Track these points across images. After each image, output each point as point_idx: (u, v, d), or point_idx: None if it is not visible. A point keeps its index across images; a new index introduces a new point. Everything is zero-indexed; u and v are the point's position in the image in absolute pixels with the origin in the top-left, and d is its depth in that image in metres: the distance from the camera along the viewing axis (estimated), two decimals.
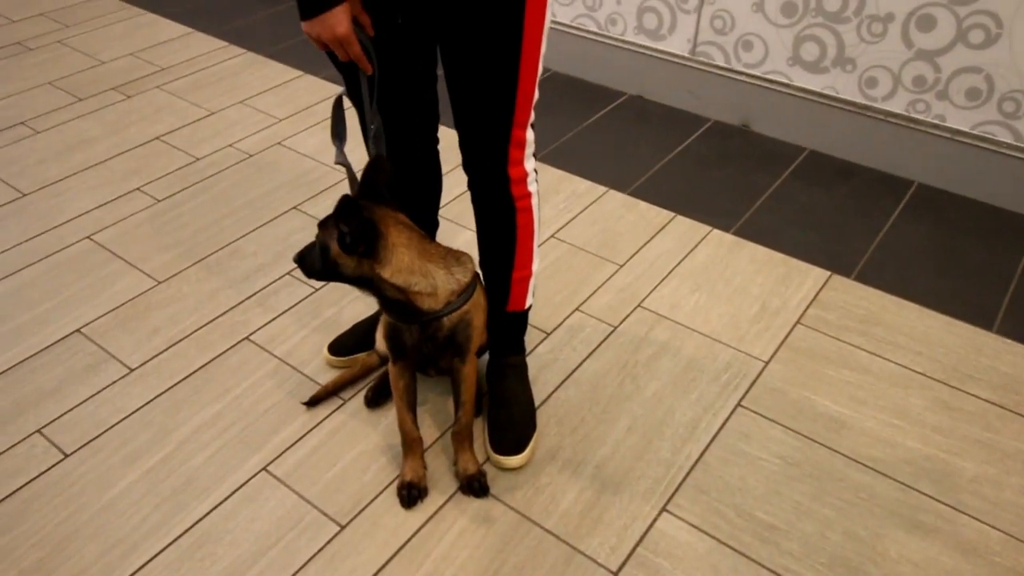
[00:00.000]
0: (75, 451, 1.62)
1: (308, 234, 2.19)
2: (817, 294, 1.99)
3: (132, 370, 1.79)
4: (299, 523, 1.48)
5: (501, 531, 1.47)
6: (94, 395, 1.73)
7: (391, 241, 1.27)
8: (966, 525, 1.48)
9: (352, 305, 1.96)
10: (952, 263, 2.10)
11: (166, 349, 1.84)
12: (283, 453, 1.61)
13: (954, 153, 2.30)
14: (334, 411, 1.69)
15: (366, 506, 1.51)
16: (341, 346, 1.78)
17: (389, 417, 1.68)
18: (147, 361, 1.81)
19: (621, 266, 2.08)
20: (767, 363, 1.81)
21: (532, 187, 1.45)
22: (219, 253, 2.13)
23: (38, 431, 1.66)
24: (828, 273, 2.06)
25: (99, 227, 2.22)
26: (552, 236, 2.18)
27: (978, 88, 2.18)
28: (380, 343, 1.65)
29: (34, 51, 3.15)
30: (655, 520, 1.49)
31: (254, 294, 1.99)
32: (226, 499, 1.52)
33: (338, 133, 1.36)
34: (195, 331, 1.89)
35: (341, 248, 1.26)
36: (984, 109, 2.20)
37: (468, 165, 1.44)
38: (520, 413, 1.61)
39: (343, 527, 1.48)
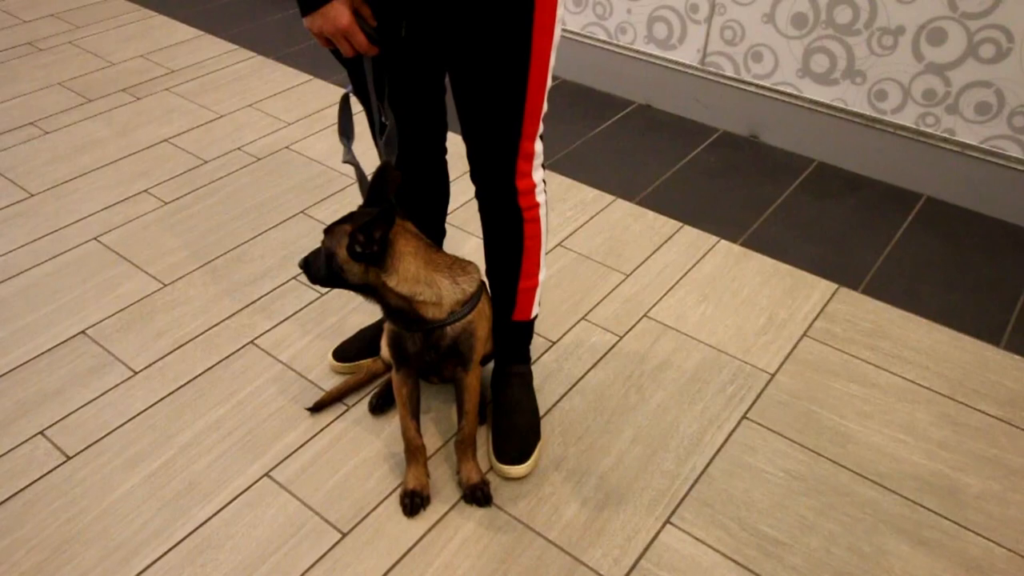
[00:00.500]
0: (77, 454, 1.61)
1: (315, 239, 2.19)
2: (824, 307, 1.98)
3: (136, 373, 1.79)
4: (301, 530, 1.48)
5: (504, 541, 1.46)
6: (97, 397, 1.73)
7: (398, 250, 1.27)
8: (970, 541, 1.47)
9: (357, 311, 1.96)
10: (960, 278, 2.09)
11: (170, 352, 1.84)
12: (286, 459, 1.60)
13: (963, 167, 2.29)
14: (338, 417, 1.69)
15: (368, 514, 1.51)
16: (346, 352, 1.78)
17: (393, 424, 1.67)
18: (151, 364, 1.81)
19: (628, 276, 2.08)
20: (773, 375, 1.80)
21: (540, 197, 1.45)
22: (226, 256, 2.13)
23: (40, 433, 1.66)
24: (835, 286, 2.05)
25: (106, 228, 2.22)
26: (559, 244, 2.18)
27: (988, 103, 2.17)
28: (385, 350, 1.65)
29: (44, 51, 3.16)
30: (659, 532, 1.48)
31: (260, 298, 1.99)
32: (228, 504, 1.52)
33: (345, 131, 1.36)
34: (200, 334, 1.89)
35: (349, 255, 1.26)
36: (994, 123, 2.19)
37: (476, 176, 1.44)
38: (524, 422, 1.60)
39: (345, 534, 1.47)
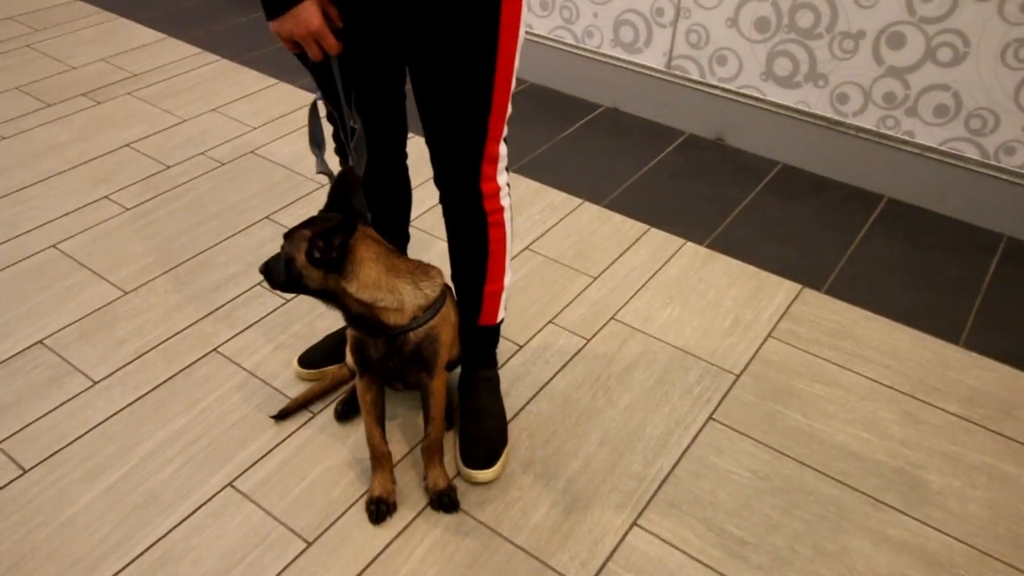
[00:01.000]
0: (34, 466, 1.58)
1: (280, 244, 2.16)
2: (788, 307, 2.01)
3: (96, 383, 1.75)
4: (265, 539, 1.46)
5: (471, 547, 1.45)
6: (55, 408, 1.69)
7: (359, 256, 1.26)
8: (932, 538, 1.49)
9: (323, 317, 1.94)
10: (921, 277, 2.12)
11: (131, 361, 1.81)
12: (250, 468, 1.58)
13: (923, 169, 2.33)
14: (303, 425, 1.67)
15: (334, 522, 1.49)
16: (311, 359, 1.76)
17: (359, 431, 1.66)
18: (111, 373, 1.78)
19: (595, 279, 2.08)
20: (739, 376, 1.81)
21: (505, 201, 1.45)
22: (189, 263, 2.10)
23: None
24: (799, 286, 2.07)
25: (65, 235, 2.18)
26: (526, 248, 2.18)
27: (946, 105, 2.21)
28: (350, 356, 1.63)
29: (1, 55, 3.10)
30: (626, 535, 1.48)
31: (223, 305, 1.97)
32: (190, 515, 1.49)
33: (317, 141, 1.34)
34: (162, 343, 1.86)
35: (308, 261, 1.25)
36: (952, 126, 2.23)
37: (440, 180, 1.43)
38: (491, 427, 1.60)
39: (310, 543, 1.45)
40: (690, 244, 2.21)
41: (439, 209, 2.30)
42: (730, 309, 1.99)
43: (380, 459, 1.50)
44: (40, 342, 1.85)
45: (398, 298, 1.29)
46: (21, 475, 1.56)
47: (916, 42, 2.17)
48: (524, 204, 2.35)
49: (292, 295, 2.00)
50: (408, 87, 1.47)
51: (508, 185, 1.46)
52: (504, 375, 1.80)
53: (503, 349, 1.86)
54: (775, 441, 1.67)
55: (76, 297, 1.98)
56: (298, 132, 2.68)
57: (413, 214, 2.28)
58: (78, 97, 2.84)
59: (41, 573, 1.40)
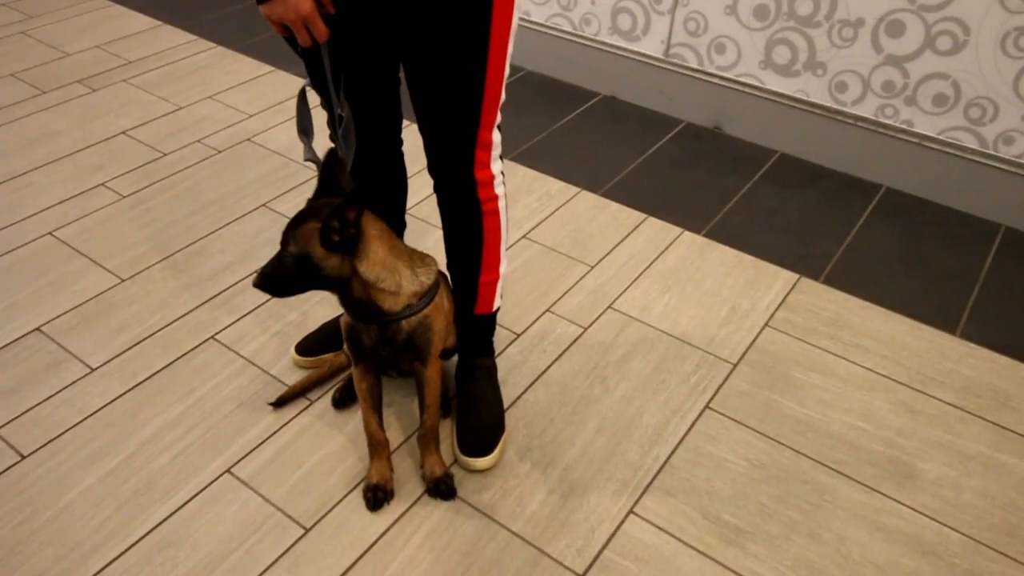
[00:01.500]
0: (33, 452, 1.58)
1: (277, 232, 2.16)
2: (786, 297, 2.01)
3: (93, 370, 1.75)
4: (263, 526, 1.46)
5: (468, 534, 1.46)
6: (53, 395, 1.70)
7: (367, 232, 1.25)
8: (927, 527, 1.50)
9: (320, 305, 1.94)
10: (918, 267, 2.13)
11: (129, 348, 1.81)
12: (248, 455, 1.59)
13: (921, 158, 2.33)
14: (300, 412, 1.67)
15: (331, 508, 1.49)
16: (309, 346, 1.76)
17: (356, 419, 1.66)
18: (109, 361, 1.78)
19: (592, 267, 2.08)
20: (735, 365, 1.81)
21: (499, 189, 1.44)
22: (185, 251, 2.09)
23: None
24: (796, 276, 2.07)
25: (62, 223, 2.18)
26: (524, 236, 2.18)
27: (945, 94, 2.21)
28: (346, 344, 1.63)
29: None
30: (622, 522, 1.49)
31: (220, 293, 1.97)
32: (188, 502, 1.50)
33: (304, 128, 1.33)
34: (159, 330, 1.86)
35: (327, 249, 1.23)
36: (951, 115, 2.23)
37: (433, 168, 1.43)
38: (489, 415, 1.60)
39: (308, 530, 1.46)
40: (687, 233, 2.21)
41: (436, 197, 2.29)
42: (727, 298, 2.00)
43: (377, 446, 1.50)
44: (38, 329, 1.85)
45: (396, 280, 1.29)
46: (20, 461, 1.56)
47: (915, 30, 2.17)
48: (521, 192, 2.35)
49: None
50: (402, 74, 1.47)
51: (503, 173, 1.45)
52: (501, 363, 1.80)
53: (500, 337, 1.87)
54: (771, 430, 1.67)
55: (73, 284, 1.98)
56: (294, 120, 2.66)
57: (409, 202, 2.28)
58: (73, 84, 2.82)
59: (40, 558, 1.40)
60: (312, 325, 1.87)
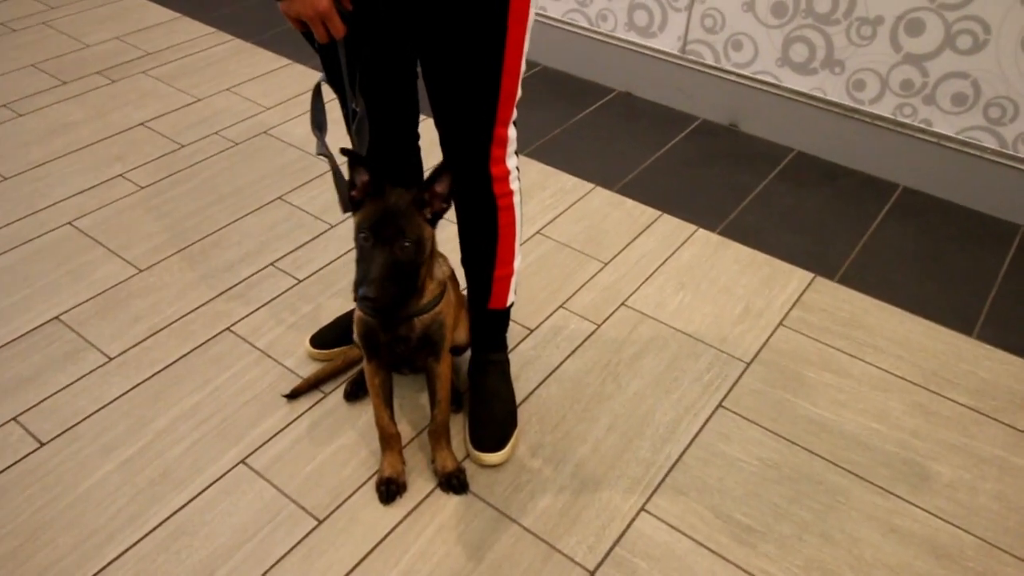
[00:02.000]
0: (51, 440, 1.60)
1: (293, 224, 2.17)
2: (800, 296, 2.00)
3: (111, 359, 1.77)
4: (276, 517, 1.48)
5: (479, 528, 1.47)
6: (72, 383, 1.71)
7: None
8: (940, 529, 1.50)
9: (335, 297, 1.95)
10: (934, 268, 2.11)
11: (146, 338, 1.82)
12: (262, 446, 1.60)
13: (939, 158, 2.31)
14: (314, 404, 1.69)
15: (344, 501, 1.51)
16: (323, 339, 1.77)
17: (369, 412, 1.67)
18: (126, 350, 1.79)
19: (606, 264, 2.08)
20: (749, 364, 1.81)
21: (514, 185, 1.45)
22: (202, 242, 2.11)
23: (14, 419, 1.64)
24: (812, 275, 2.06)
25: (81, 213, 2.20)
26: (537, 232, 2.18)
27: (964, 93, 2.19)
28: (358, 340, 1.64)
29: (18, 32, 3.11)
30: (633, 520, 1.49)
31: (237, 284, 1.98)
32: (203, 491, 1.51)
33: (318, 123, 1.34)
34: (176, 321, 1.87)
35: (432, 225, 1.29)
36: (970, 115, 2.21)
37: (449, 163, 1.43)
38: (501, 410, 1.61)
39: (321, 522, 1.47)
40: (702, 231, 2.20)
41: None
42: (741, 297, 1.99)
43: (389, 440, 1.51)
44: (57, 318, 1.87)
45: (432, 271, 1.34)
46: (39, 448, 1.58)
47: (935, 29, 2.15)
48: (536, 188, 2.35)
49: (305, 275, 2.00)
50: (419, 69, 1.47)
51: (518, 169, 1.45)
52: (514, 359, 1.80)
53: (513, 333, 1.87)
54: (784, 430, 1.67)
55: (92, 274, 1.99)
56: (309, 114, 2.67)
57: None
58: (93, 75, 2.84)
59: (58, 544, 1.42)
60: (326, 318, 1.88)
